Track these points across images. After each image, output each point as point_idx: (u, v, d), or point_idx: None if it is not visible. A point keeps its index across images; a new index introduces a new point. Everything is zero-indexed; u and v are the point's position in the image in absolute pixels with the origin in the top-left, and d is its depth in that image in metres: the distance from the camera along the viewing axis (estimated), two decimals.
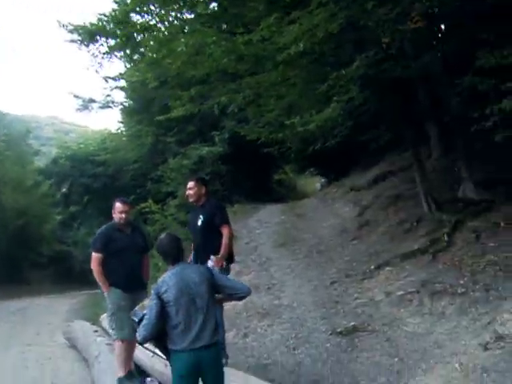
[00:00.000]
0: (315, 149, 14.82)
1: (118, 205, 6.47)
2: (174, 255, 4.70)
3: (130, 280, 6.32)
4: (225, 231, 6.56)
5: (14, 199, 35.74)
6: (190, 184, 6.70)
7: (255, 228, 15.16)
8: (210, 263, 6.32)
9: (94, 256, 6.40)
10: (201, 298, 4.60)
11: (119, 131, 27.64)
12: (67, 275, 43.96)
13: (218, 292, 4.77)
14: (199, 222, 6.56)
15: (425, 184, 11.15)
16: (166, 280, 4.56)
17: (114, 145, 26.61)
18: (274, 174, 28.18)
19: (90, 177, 26.20)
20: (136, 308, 5.14)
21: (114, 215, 6.52)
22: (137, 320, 4.66)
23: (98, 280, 6.40)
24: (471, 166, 10.82)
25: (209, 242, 6.52)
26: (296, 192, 30.07)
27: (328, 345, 7.53)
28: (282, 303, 9.36)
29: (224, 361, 6.23)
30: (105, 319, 11.61)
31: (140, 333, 4.49)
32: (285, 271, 10.92)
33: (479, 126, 8.95)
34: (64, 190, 28.90)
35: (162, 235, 4.93)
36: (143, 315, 4.62)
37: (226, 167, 18.90)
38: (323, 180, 26.92)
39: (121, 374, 6.33)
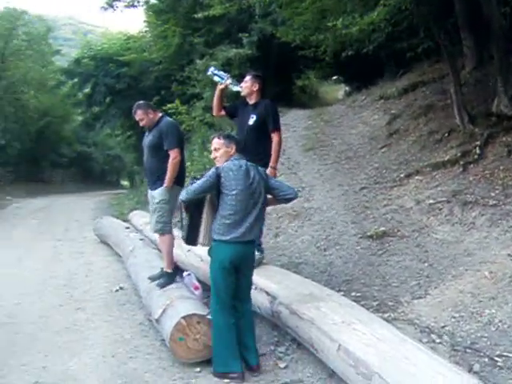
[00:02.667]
0: (349, 54, 14.61)
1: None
2: (241, 144, 5.06)
3: (147, 178, 6.81)
4: (276, 138, 6.43)
5: (36, 99, 35.91)
6: (246, 78, 6.56)
7: (282, 132, 14.93)
8: None
9: None
10: (258, 195, 4.78)
11: (143, 32, 27.05)
12: (88, 176, 44.80)
13: (267, 193, 4.97)
14: (250, 121, 6.42)
15: (459, 95, 10.97)
16: (232, 168, 4.75)
17: (137, 45, 26.11)
18: (297, 80, 27.72)
19: (113, 77, 25.74)
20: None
21: None
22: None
23: None
24: (507, 81, 10.59)
25: (258, 143, 6.36)
26: (318, 100, 29.62)
27: (358, 247, 7.69)
28: (312, 206, 9.48)
29: (261, 255, 6.47)
30: (134, 216, 11.92)
31: (187, 192, 4.75)
32: (314, 175, 10.98)
33: None
34: (87, 90, 28.64)
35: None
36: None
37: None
38: (347, 88, 26.52)
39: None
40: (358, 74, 21.50)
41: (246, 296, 5.08)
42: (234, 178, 4.67)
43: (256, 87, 6.51)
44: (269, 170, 6.23)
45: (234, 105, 7.02)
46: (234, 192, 4.66)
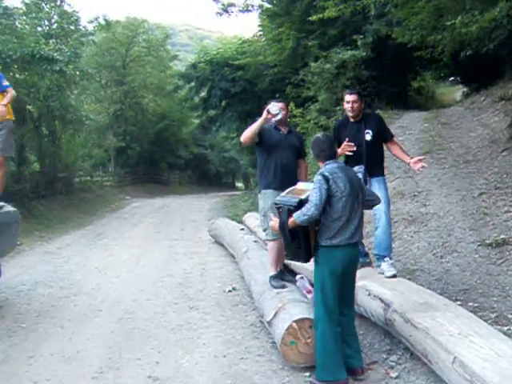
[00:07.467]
0: (467, 54, 14.07)
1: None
2: (329, 151, 4.83)
3: (283, 178, 6.34)
4: (395, 141, 6.78)
5: (155, 103, 37.52)
6: (353, 97, 6.41)
7: (398, 135, 14.53)
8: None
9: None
10: (362, 196, 4.74)
11: (258, 36, 27.38)
12: (204, 177, 46.13)
13: None
14: (367, 137, 6.41)
15: None
16: (336, 171, 4.65)
17: (252, 49, 26.47)
18: (413, 82, 27.16)
19: (228, 81, 26.30)
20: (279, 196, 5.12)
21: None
22: (292, 205, 4.70)
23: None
24: None
25: (377, 154, 6.54)
26: (434, 101, 28.96)
27: (476, 256, 7.34)
28: (429, 211, 9.21)
29: (368, 260, 6.51)
30: (248, 218, 12.06)
31: (309, 213, 4.51)
32: (431, 180, 10.64)
33: None
34: (203, 94, 29.46)
35: (318, 134, 5.18)
36: (300, 200, 4.70)
37: (368, 72, 18.36)
38: (465, 89, 25.70)
39: (271, 272, 6.57)
40: (476, 74, 20.79)
41: (352, 300, 5.06)
42: (341, 180, 4.59)
43: (363, 103, 6.57)
44: (414, 160, 6.23)
45: (336, 136, 6.53)
46: (343, 194, 4.57)
